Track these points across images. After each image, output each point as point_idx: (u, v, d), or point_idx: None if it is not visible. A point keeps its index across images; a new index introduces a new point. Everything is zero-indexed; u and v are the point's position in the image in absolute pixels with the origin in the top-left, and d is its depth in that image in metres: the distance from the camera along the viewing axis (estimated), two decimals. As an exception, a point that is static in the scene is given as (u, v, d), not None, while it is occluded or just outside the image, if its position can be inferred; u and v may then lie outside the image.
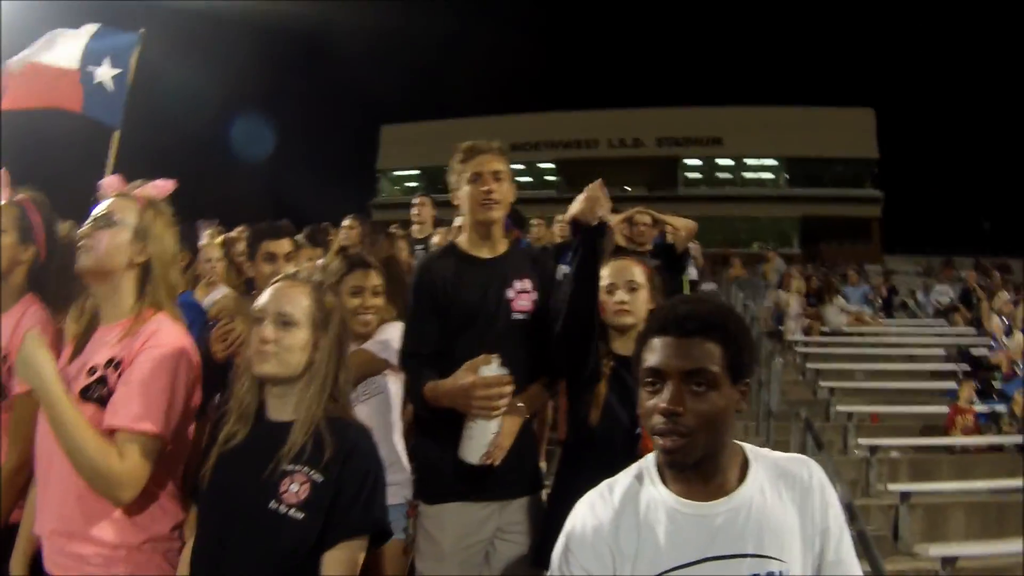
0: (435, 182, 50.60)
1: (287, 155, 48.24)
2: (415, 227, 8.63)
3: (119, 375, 2.75)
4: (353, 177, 49.98)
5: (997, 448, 10.00)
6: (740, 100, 45.94)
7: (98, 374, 2.80)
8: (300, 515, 2.56)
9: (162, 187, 3.12)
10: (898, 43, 53.49)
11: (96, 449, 2.57)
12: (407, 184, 48.47)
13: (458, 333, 3.71)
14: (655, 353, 2.07)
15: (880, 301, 18.56)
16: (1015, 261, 21.54)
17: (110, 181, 3.12)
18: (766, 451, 2.25)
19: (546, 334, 3.62)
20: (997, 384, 12.07)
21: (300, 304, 2.66)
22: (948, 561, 6.85)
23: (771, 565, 2.07)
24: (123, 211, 2.95)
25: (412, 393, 3.84)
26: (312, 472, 2.59)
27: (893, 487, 8.34)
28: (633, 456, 3.06)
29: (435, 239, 6.61)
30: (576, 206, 3.43)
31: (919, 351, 14.67)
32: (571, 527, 2.26)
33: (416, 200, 8.54)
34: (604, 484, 2.23)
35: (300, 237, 6.12)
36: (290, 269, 3.27)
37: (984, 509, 8.45)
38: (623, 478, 2.25)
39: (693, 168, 47.23)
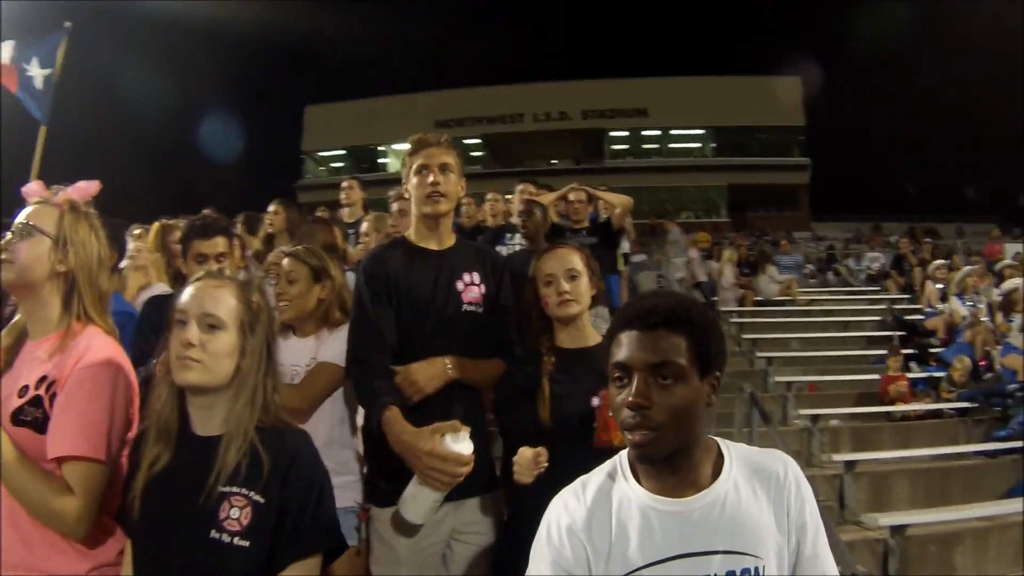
0: (361, 162, 50.45)
1: (208, 139, 47.52)
2: (345, 211, 8.40)
3: (51, 396, 2.52)
4: (277, 159, 49.45)
5: (936, 414, 10.08)
6: (665, 71, 46.25)
7: (30, 395, 2.55)
8: (245, 543, 2.36)
9: (84, 189, 2.85)
10: (820, 10, 54.16)
11: (45, 488, 2.37)
12: (332, 165, 48.19)
13: (410, 324, 3.49)
14: (621, 348, 2.02)
15: (809, 268, 18.77)
16: (944, 226, 22.01)
17: (30, 188, 2.84)
18: (741, 446, 2.20)
19: (495, 325, 3.59)
20: (934, 350, 12.24)
21: (226, 304, 2.35)
22: (897, 529, 6.85)
23: (746, 561, 2.04)
24: (42, 219, 2.69)
25: (367, 413, 3.63)
26: (251, 493, 2.39)
27: (838, 457, 8.35)
28: (588, 450, 2.91)
29: (365, 225, 6.37)
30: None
31: (854, 318, 14.82)
32: (546, 526, 2.15)
33: (344, 183, 8.34)
34: (578, 482, 2.19)
35: (238, 226, 5.83)
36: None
37: (927, 475, 8.51)
38: (596, 476, 2.20)
39: (619, 140, 47.50)
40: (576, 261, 3.52)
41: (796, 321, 14.60)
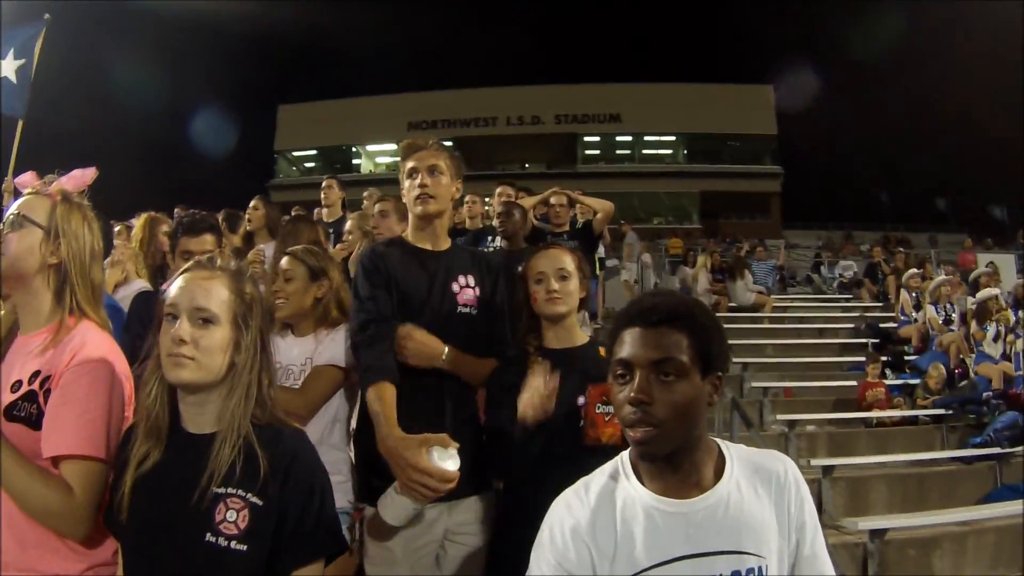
0: (333, 162, 50.18)
1: (181, 137, 47.12)
2: (324, 211, 8.38)
3: (45, 392, 2.48)
4: (250, 159, 49.11)
5: (912, 421, 10.19)
6: (638, 77, 46.39)
7: (23, 390, 2.51)
8: (242, 547, 2.31)
9: (79, 178, 2.80)
10: (796, 19, 54.47)
11: (45, 488, 2.32)
12: (305, 165, 47.84)
13: (406, 322, 3.49)
14: (624, 345, 2.05)
15: (779, 276, 18.89)
16: (915, 236, 22.22)
17: (24, 178, 2.81)
18: (741, 447, 2.22)
19: (490, 328, 3.63)
20: (908, 358, 12.37)
21: (218, 297, 2.27)
22: (876, 534, 6.91)
23: (750, 561, 2.06)
24: (33, 209, 2.64)
25: (360, 383, 3.55)
26: (248, 495, 2.33)
27: (816, 462, 8.40)
28: (577, 448, 2.93)
29: (349, 223, 6.37)
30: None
31: (828, 325, 14.93)
32: (548, 528, 2.15)
33: (324, 183, 8.33)
34: (580, 483, 2.19)
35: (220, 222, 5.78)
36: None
37: (904, 481, 8.59)
38: (598, 476, 2.21)
39: (592, 144, 47.59)
40: (568, 262, 3.56)
41: (771, 327, 14.71)
